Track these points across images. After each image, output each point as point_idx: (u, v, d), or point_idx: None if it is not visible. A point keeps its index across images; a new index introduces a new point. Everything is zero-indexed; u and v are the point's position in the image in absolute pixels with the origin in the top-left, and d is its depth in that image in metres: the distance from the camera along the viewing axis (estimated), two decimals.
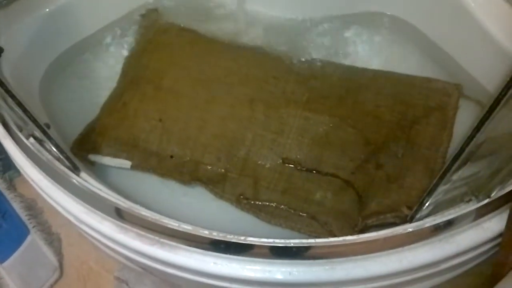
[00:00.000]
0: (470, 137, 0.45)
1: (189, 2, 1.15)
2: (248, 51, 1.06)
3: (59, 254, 1.01)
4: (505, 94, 0.39)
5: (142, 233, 0.66)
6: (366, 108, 0.95)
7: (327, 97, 0.96)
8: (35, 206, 1.07)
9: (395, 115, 0.93)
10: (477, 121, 0.43)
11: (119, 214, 0.66)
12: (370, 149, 0.90)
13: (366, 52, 1.09)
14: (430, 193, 0.56)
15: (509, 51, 0.84)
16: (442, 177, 0.52)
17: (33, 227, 1.01)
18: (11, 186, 1.07)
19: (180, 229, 0.62)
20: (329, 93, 0.97)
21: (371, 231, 0.63)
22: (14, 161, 0.78)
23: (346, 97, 0.96)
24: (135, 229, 0.66)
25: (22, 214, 1.02)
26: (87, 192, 0.68)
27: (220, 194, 0.88)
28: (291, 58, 1.04)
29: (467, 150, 0.46)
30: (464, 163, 0.49)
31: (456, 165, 0.49)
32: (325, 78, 1.01)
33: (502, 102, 0.39)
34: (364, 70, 1.02)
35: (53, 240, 1.02)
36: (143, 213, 0.64)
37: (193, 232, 0.62)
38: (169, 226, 0.63)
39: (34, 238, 0.99)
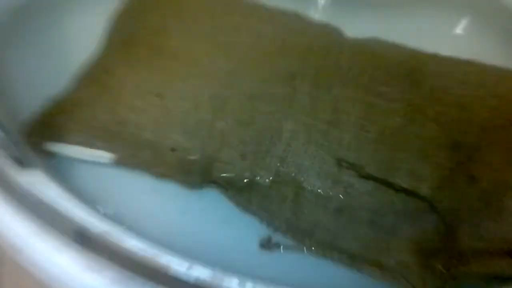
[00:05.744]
0: None
1: None
2: (284, 14, 0.79)
3: None
4: None
5: None
6: (450, 97, 0.68)
7: (396, 77, 0.69)
8: None
9: (489, 111, 0.67)
10: None
11: None
12: (462, 155, 0.63)
13: (437, 38, 0.82)
14: None
15: None
16: None
17: None
18: None
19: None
20: (398, 73, 0.70)
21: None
22: None
23: (421, 81, 0.70)
24: None
25: None
26: None
27: (245, 205, 0.60)
28: (339, 31, 0.77)
29: None
30: None
31: None
32: (390, 56, 0.74)
33: None
34: (436, 55, 0.75)
35: None
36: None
37: None
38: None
39: None
